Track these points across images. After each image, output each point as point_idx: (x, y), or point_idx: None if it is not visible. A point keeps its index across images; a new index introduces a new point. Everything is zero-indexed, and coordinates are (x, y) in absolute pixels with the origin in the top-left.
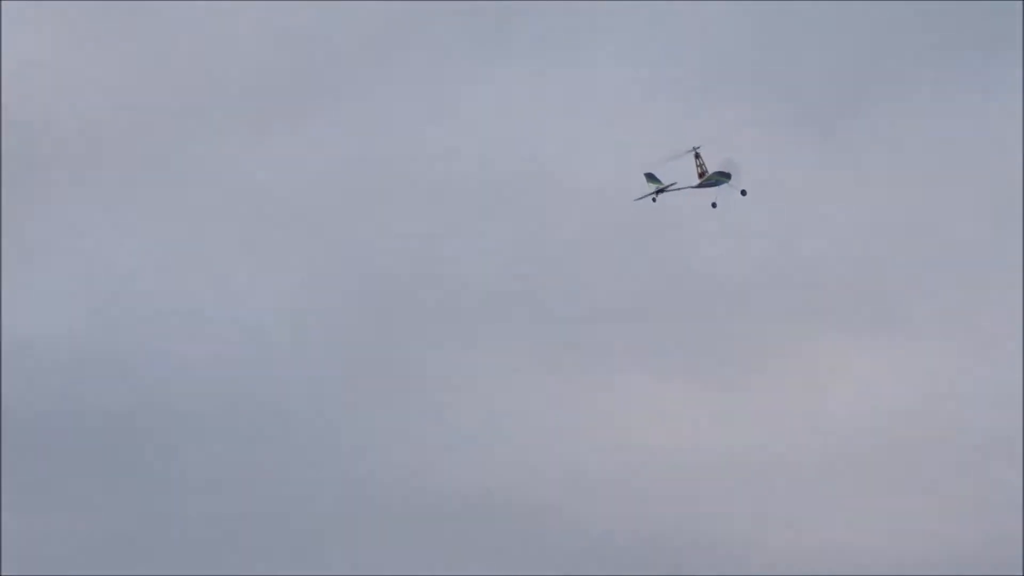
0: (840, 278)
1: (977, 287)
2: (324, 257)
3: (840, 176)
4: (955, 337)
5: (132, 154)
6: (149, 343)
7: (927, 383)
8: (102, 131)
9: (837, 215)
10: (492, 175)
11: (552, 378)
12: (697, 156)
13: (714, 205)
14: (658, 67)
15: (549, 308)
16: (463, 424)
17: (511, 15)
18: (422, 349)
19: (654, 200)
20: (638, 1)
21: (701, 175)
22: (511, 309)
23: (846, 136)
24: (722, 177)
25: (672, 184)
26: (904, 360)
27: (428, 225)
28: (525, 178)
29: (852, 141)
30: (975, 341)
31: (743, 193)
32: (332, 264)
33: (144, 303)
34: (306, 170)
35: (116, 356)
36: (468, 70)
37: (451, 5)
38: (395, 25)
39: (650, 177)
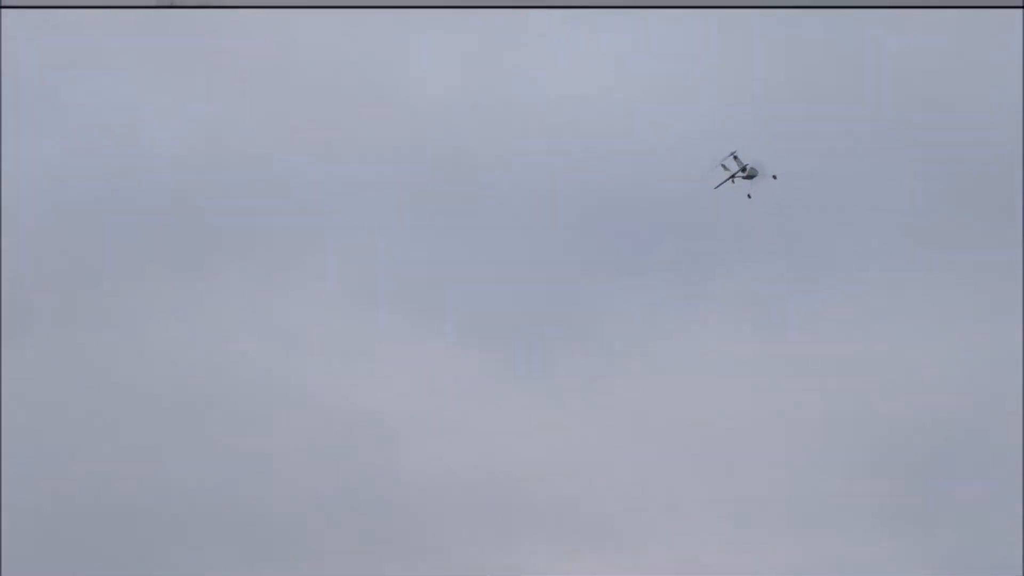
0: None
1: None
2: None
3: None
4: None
5: None
6: None
7: None
8: None
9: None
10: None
11: None
12: (735, 157)
13: (749, 196)
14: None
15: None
16: None
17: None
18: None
19: (732, 183)
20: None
21: (743, 168)
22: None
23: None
24: (754, 171)
25: (739, 171)
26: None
27: (150, 439)
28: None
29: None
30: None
31: (774, 177)
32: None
33: None
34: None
35: None
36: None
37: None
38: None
39: (724, 167)
